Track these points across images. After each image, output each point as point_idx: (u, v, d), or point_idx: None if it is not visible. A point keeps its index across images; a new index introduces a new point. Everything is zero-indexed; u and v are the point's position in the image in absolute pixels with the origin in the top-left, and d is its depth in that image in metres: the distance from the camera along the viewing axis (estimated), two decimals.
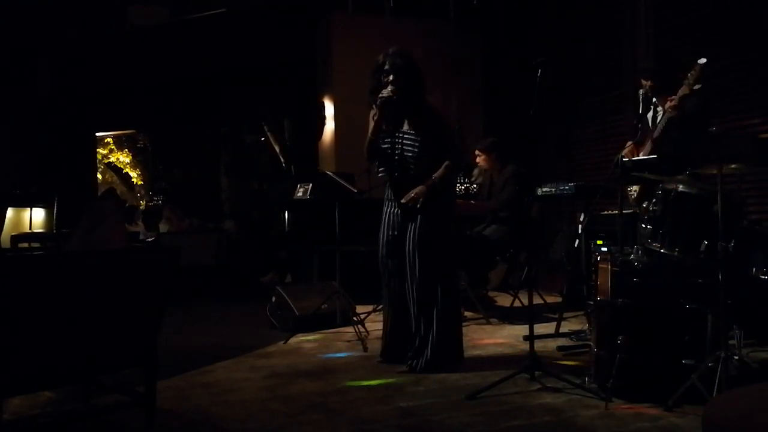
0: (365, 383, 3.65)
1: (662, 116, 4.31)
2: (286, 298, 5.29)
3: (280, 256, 8.54)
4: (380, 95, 3.80)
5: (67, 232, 6.72)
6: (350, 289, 5.34)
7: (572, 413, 3.04)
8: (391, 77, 3.82)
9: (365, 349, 4.45)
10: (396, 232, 3.93)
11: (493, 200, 5.83)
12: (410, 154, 3.90)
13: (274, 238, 8.81)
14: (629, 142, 4.61)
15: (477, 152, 6.11)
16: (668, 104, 4.21)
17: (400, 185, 3.94)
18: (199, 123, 13.30)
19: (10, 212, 8.09)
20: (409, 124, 3.93)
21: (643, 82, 4.48)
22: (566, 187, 5.05)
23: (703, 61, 4.02)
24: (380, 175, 4.06)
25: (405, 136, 3.93)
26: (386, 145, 3.96)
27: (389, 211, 4.02)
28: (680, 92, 4.09)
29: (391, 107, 3.83)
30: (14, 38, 8.14)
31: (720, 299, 2.98)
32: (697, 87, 4.02)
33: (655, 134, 4.34)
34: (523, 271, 5.99)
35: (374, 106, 3.86)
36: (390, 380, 3.69)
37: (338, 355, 4.41)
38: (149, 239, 8.85)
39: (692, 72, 4.04)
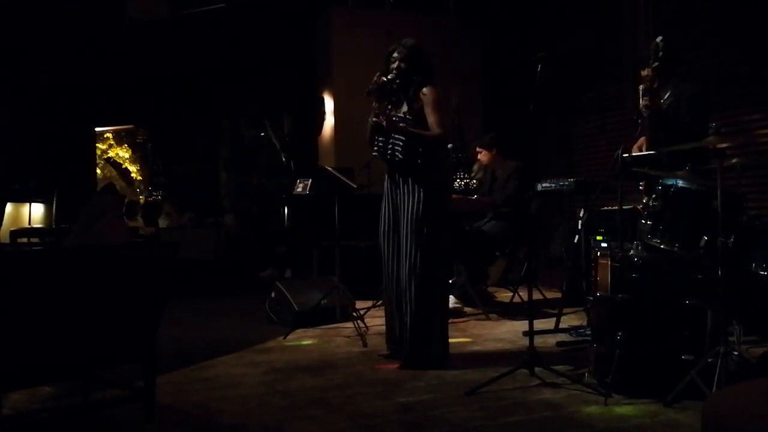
0: None
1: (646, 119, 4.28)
2: (286, 293, 5.29)
3: (280, 251, 8.54)
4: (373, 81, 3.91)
5: (67, 227, 6.72)
6: (350, 285, 5.34)
7: (571, 408, 3.04)
8: (395, 64, 3.94)
9: (365, 344, 4.45)
10: (391, 213, 3.95)
11: (496, 195, 5.83)
12: (394, 138, 3.90)
13: (273, 233, 8.81)
14: (642, 138, 4.55)
15: (478, 149, 6.11)
16: (642, 104, 4.19)
17: (392, 166, 3.97)
18: (199, 118, 13.29)
19: (9, 207, 8.09)
20: (407, 107, 3.94)
21: (642, 72, 4.43)
22: (566, 183, 5.05)
23: (659, 38, 4.00)
24: (374, 154, 4.04)
25: (397, 118, 3.94)
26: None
27: (387, 195, 4.02)
28: (644, 73, 4.11)
29: (384, 91, 3.92)
30: (13, 33, 8.13)
31: (719, 295, 2.98)
32: (655, 65, 3.99)
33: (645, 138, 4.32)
34: (523, 266, 5.99)
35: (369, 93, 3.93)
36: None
37: (338, 350, 4.41)
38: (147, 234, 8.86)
39: (651, 52, 4.03)
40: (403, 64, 3.92)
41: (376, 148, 3.99)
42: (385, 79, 3.89)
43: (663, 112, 4.14)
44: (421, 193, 3.85)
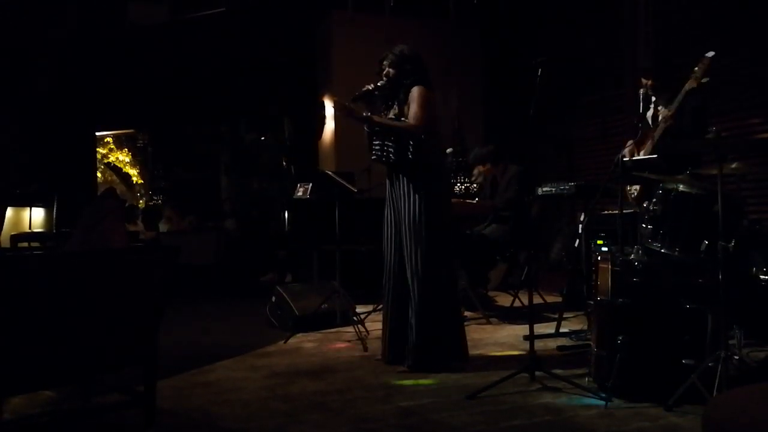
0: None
1: (659, 125, 4.31)
2: (286, 297, 5.29)
3: (280, 256, 8.55)
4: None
5: (67, 231, 6.72)
6: (350, 289, 5.34)
7: (572, 413, 3.04)
8: (385, 71, 3.99)
9: (365, 348, 4.45)
10: (395, 224, 3.98)
11: (498, 199, 5.84)
12: (387, 140, 3.94)
13: (273, 237, 8.81)
14: (630, 141, 4.61)
15: (478, 168, 6.13)
16: (663, 113, 4.21)
17: (390, 169, 4.01)
18: (199, 122, 13.31)
19: (9, 212, 8.08)
20: (398, 110, 3.99)
21: (644, 81, 4.48)
22: (566, 187, 5.05)
23: (711, 54, 4.00)
24: (372, 158, 4.08)
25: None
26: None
27: (389, 200, 4.05)
28: (687, 86, 4.06)
29: (371, 98, 4.00)
30: (14, 37, 8.14)
31: (720, 299, 2.98)
32: (705, 80, 4.01)
33: (650, 145, 4.34)
34: (523, 270, 5.99)
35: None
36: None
37: (338, 354, 4.41)
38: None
39: (700, 65, 4.01)
40: (391, 70, 3.97)
41: (373, 152, 4.01)
42: (370, 88, 3.96)
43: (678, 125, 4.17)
44: (419, 196, 3.87)
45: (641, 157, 4.34)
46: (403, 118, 3.93)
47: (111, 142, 16.10)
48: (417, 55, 4.01)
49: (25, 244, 7.54)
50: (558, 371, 3.52)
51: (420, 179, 3.88)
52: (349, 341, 4.75)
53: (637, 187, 4.49)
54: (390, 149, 3.89)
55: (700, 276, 3.31)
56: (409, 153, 3.84)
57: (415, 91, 3.88)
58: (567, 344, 4.45)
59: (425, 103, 3.85)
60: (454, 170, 7.10)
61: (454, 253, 4.01)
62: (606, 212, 5.34)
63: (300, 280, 7.24)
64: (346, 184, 5.23)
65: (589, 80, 7.60)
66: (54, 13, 8.07)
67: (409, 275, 3.89)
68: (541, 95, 3.59)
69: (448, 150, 6.16)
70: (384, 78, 3.98)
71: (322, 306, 5.03)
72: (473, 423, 2.93)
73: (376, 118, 3.90)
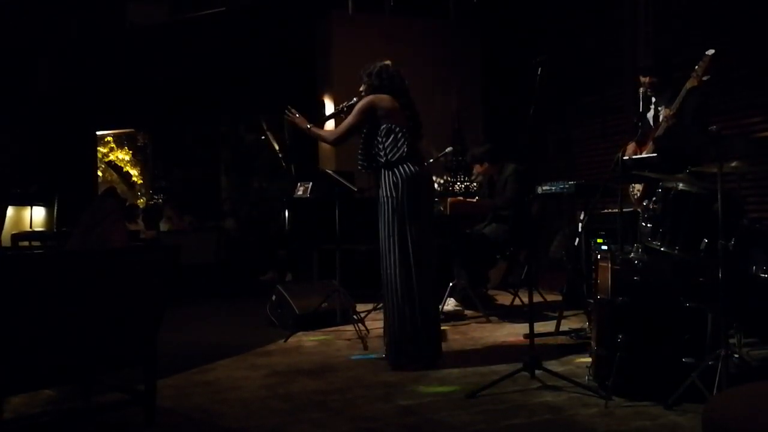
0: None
1: (661, 125, 4.31)
2: (287, 296, 5.30)
3: (280, 255, 8.54)
4: None
5: (68, 230, 6.72)
6: (350, 288, 5.35)
7: (572, 411, 3.04)
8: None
9: (365, 347, 4.45)
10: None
11: (498, 198, 5.84)
12: (363, 150, 4.14)
13: (274, 237, 8.81)
14: (631, 142, 4.59)
15: (476, 167, 6.13)
16: (665, 113, 4.21)
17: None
18: (199, 122, 13.30)
19: (10, 211, 8.09)
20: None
21: (642, 79, 4.47)
22: (566, 186, 5.05)
23: (711, 51, 4.01)
24: (359, 167, 4.26)
25: None
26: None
27: None
28: (688, 84, 4.07)
29: (339, 116, 4.34)
30: (14, 37, 8.14)
31: (720, 298, 2.98)
32: (706, 78, 4.01)
33: (652, 145, 4.35)
34: (523, 269, 5.99)
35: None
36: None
37: (338, 353, 4.41)
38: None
39: (701, 63, 4.02)
40: (362, 86, 4.18)
41: (359, 163, 4.17)
42: (338, 108, 4.30)
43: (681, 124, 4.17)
44: (383, 201, 3.98)
45: (641, 155, 4.34)
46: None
47: (111, 141, 16.08)
48: (375, 69, 4.10)
49: (26, 243, 7.54)
50: (558, 370, 3.52)
51: (384, 185, 3.99)
52: (349, 340, 4.76)
53: (640, 187, 4.48)
54: (367, 158, 4.08)
55: (700, 275, 3.30)
56: (381, 158, 4.01)
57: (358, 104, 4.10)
58: (567, 343, 4.45)
59: (357, 113, 4.05)
60: (454, 169, 7.10)
61: (429, 256, 4.02)
62: (606, 211, 5.34)
63: (300, 279, 7.24)
64: (347, 183, 5.23)
65: (589, 80, 7.59)
66: (54, 13, 8.07)
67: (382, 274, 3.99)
68: (541, 95, 3.59)
69: (448, 149, 6.16)
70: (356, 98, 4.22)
71: (323, 305, 5.04)
72: (473, 422, 2.93)
73: (314, 129, 4.28)
